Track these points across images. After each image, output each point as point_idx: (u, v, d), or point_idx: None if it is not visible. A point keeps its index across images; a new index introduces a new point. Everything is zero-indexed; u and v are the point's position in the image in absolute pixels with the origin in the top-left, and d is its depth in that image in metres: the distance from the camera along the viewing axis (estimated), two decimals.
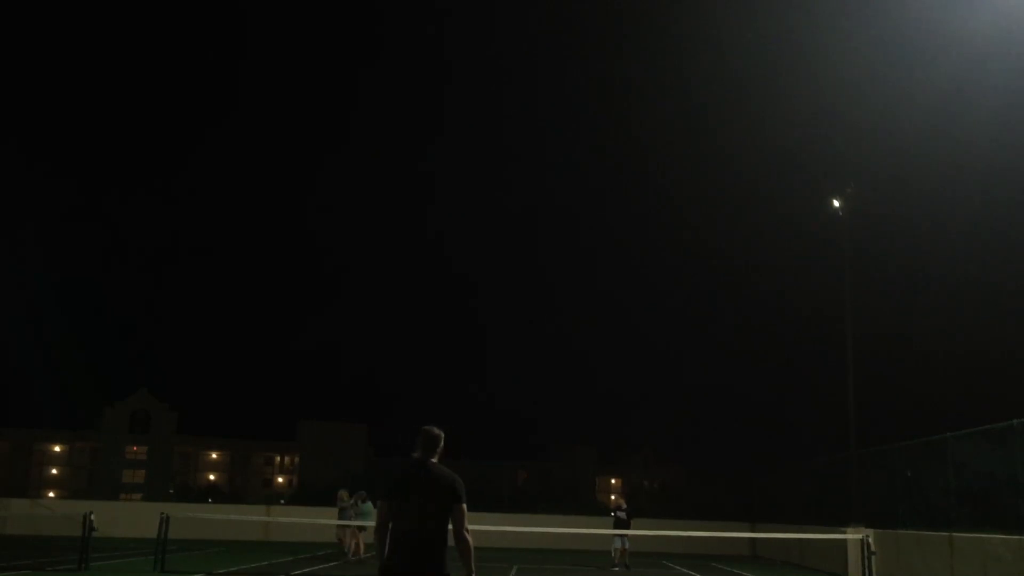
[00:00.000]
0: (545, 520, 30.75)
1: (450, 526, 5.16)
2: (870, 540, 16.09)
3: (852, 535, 18.57)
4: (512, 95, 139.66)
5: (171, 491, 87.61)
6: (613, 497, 77.09)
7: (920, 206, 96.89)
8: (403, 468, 5.34)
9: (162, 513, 17.22)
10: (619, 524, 21.29)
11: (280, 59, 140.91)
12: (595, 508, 50.32)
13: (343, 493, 21.90)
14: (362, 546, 20.75)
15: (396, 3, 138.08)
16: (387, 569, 5.06)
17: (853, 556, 18.91)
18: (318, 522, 25.57)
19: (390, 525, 5.14)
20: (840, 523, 21.00)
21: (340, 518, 21.28)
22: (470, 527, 5.24)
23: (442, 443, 5.41)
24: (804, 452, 38.58)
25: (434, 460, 5.31)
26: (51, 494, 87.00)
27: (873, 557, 15.86)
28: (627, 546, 21.14)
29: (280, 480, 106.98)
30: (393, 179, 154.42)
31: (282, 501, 65.19)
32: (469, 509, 5.27)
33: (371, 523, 19.24)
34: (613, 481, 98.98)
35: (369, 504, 20.94)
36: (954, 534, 15.76)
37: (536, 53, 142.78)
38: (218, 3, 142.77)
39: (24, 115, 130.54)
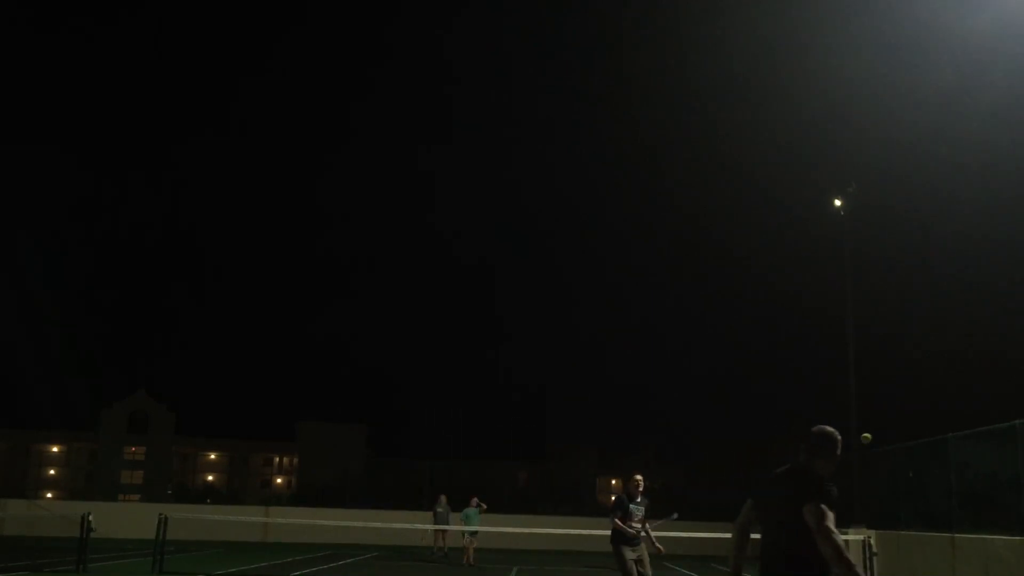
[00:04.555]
0: (545, 521, 30.69)
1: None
2: (871, 541, 16.03)
3: (853, 536, 18.47)
4: (517, 94, 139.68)
5: (169, 492, 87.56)
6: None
7: (921, 205, 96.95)
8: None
9: (160, 514, 17.12)
10: None
11: (291, 56, 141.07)
12: (596, 508, 50.29)
13: (443, 497, 22.99)
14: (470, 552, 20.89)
15: (402, 4, 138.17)
16: None
17: (855, 557, 18.83)
18: (317, 523, 25.42)
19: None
20: (841, 524, 20.89)
21: (436, 522, 22.03)
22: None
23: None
24: None
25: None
26: (49, 495, 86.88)
27: (875, 558, 15.81)
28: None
29: (279, 481, 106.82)
30: (395, 178, 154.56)
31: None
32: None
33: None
34: (614, 482, 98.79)
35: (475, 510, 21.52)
36: (956, 535, 15.68)
37: (540, 52, 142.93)
38: (221, 4, 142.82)
39: (24, 115, 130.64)
